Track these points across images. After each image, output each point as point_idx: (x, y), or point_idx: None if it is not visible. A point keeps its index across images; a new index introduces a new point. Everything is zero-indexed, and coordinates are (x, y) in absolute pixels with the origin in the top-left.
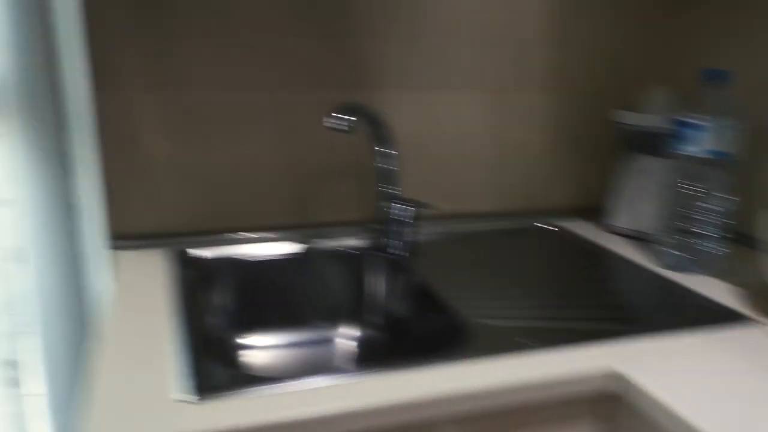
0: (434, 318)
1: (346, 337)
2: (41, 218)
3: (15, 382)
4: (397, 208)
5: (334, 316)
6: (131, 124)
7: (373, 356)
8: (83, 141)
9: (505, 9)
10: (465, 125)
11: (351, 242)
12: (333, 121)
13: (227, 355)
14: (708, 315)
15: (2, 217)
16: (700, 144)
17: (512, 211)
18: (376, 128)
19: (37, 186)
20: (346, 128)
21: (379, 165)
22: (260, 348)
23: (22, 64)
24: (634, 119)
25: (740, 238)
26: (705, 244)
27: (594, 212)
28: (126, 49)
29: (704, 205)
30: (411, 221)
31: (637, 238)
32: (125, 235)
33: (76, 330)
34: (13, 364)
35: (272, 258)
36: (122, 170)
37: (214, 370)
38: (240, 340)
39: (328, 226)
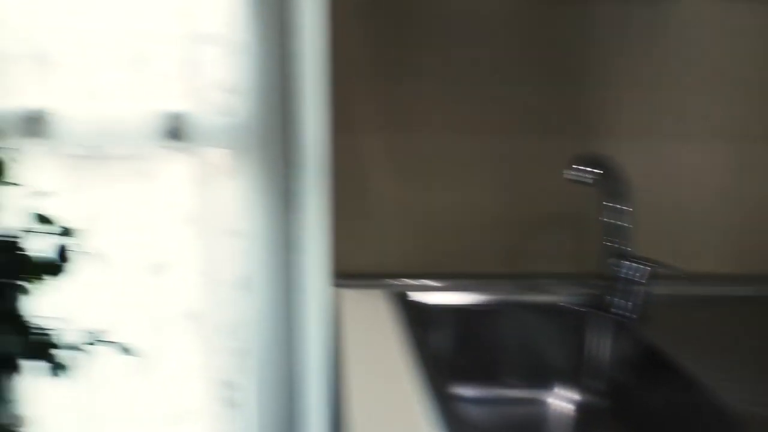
0: (673, 393)
1: (562, 400)
2: (266, 250)
3: (230, 402)
4: (627, 266)
5: (548, 375)
6: (362, 166)
7: (596, 425)
8: (312, 180)
9: (751, 51)
10: (703, 177)
11: (567, 297)
12: (575, 173)
13: (454, 406)
14: None
15: (233, 247)
16: None
17: (755, 276)
18: (612, 182)
19: (264, 220)
20: (590, 181)
21: (608, 220)
22: (475, 401)
23: (261, 107)
24: None
25: None
26: None
27: None
28: (362, 95)
29: None
30: (643, 281)
31: None
32: (347, 274)
33: (289, 358)
34: (230, 385)
35: (485, 307)
36: (350, 210)
37: (460, 425)
38: (454, 391)
39: (541, 277)
